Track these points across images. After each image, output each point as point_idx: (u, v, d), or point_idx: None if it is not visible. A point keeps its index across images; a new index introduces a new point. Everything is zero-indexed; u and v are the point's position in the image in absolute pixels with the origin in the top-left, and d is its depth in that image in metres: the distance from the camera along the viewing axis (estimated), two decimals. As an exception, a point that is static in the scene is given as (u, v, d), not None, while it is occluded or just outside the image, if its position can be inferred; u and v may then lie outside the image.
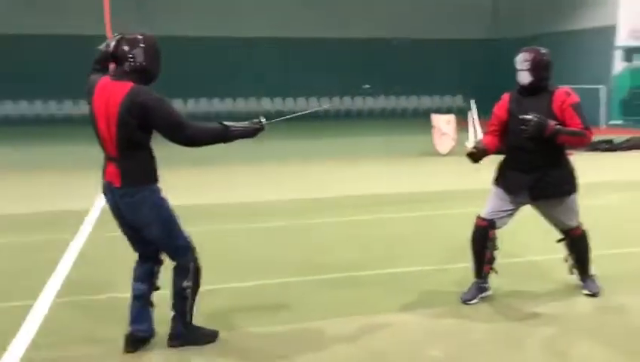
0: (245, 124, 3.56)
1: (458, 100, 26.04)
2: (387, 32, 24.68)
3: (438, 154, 12.65)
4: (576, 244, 4.48)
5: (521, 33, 23.44)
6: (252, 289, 4.71)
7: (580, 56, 20.59)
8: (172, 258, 3.56)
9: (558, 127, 4.04)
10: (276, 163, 11.65)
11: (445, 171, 11.05)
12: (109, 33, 10.76)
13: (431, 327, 3.95)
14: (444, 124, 12.70)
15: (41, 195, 8.66)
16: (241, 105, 23.94)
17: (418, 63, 24.75)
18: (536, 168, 4.20)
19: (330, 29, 23.65)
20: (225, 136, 3.47)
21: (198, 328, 3.70)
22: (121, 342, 3.60)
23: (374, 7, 24.00)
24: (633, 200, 8.03)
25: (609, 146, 13.29)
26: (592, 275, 4.55)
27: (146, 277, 3.62)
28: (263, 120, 3.60)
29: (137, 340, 3.59)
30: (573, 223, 4.39)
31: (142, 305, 3.61)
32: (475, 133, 12.69)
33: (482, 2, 25.43)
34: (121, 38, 3.40)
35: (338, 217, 7.23)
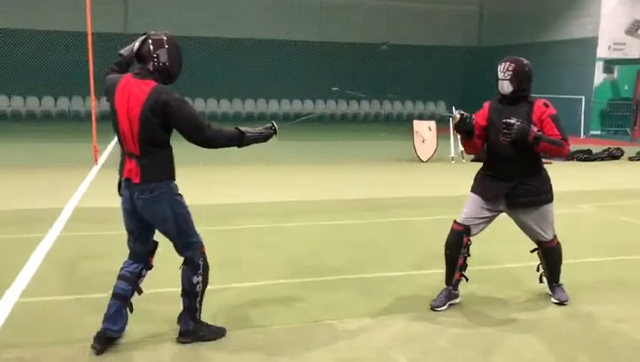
0: (259, 129, 3.67)
1: (441, 107, 26.26)
2: (376, 38, 24.79)
3: (418, 160, 12.68)
4: (550, 255, 4.51)
5: (505, 42, 23.70)
6: (216, 291, 4.66)
7: (561, 66, 20.84)
8: (183, 253, 3.61)
9: (540, 133, 4.08)
10: (256, 165, 11.59)
11: (426, 177, 11.09)
12: (89, 29, 10.67)
13: (399, 333, 3.94)
14: (425, 130, 12.74)
15: (13, 193, 8.51)
16: (238, 106, 23.93)
17: (403, 69, 24.87)
18: (513, 176, 4.23)
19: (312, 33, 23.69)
20: (241, 140, 3.60)
21: (208, 325, 3.74)
22: (87, 344, 3.55)
23: (363, 13, 24.05)
24: (607, 210, 8.11)
25: (587, 156, 13.41)
26: (560, 284, 4.58)
27: (132, 278, 3.63)
28: (275, 125, 3.70)
29: (107, 339, 3.57)
30: (548, 236, 4.41)
31: (120, 305, 3.59)
32: (457, 140, 12.76)
33: (468, 11, 25.64)
34: (147, 37, 3.48)
35: (315, 221, 7.21)
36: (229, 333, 3.82)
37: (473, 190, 4.42)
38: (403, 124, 13.09)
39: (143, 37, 3.50)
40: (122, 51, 3.73)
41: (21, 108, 21.50)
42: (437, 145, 12.78)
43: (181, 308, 3.69)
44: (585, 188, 9.96)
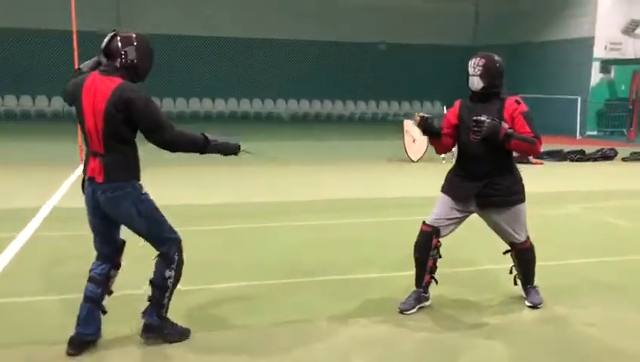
0: (226, 139, 3.62)
1: (437, 106, 26.17)
2: (373, 37, 24.69)
3: (409, 160, 12.58)
4: (523, 257, 4.41)
5: (501, 41, 23.58)
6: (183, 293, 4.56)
7: (558, 66, 20.73)
8: (158, 248, 3.57)
9: (511, 130, 3.97)
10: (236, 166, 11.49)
11: (415, 177, 10.98)
12: (74, 27, 10.58)
13: (363, 336, 3.84)
14: (416, 129, 12.58)
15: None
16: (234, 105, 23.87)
17: (399, 68, 24.78)
18: (483, 176, 4.13)
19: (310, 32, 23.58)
20: (204, 147, 3.55)
21: (173, 323, 3.67)
22: (55, 347, 3.50)
23: (358, 12, 23.94)
24: (593, 210, 8.00)
25: (580, 156, 13.30)
26: (535, 286, 4.48)
27: (101, 280, 3.57)
28: (240, 141, 3.66)
29: (82, 343, 3.51)
30: (521, 237, 4.30)
31: (92, 308, 3.54)
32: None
33: (465, 10, 25.51)
34: (115, 34, 3.45)
35: (294, 221, 7.11)
36: (194, 334, 3.73)
37: (443, 190, 4.32)
38: (400, 124, 12.96)
39: (112, 33, 3.46)
40: (82, 66, 3.69)
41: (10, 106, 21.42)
42: (428, 145, 12.65)
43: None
44: (574, 189, 9.85)
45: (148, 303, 3.62)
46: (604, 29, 19.54)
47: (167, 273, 3.54)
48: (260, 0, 22.55)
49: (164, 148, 3.49)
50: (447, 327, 4.04)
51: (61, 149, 12.20)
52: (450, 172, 4.35)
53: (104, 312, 3.59)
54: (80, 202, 7.16)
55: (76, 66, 10.36)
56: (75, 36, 10.63)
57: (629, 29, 19.65)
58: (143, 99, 3.35)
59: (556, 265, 5.41)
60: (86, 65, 3.67)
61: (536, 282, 4.48)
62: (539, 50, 21.52)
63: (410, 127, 12.66)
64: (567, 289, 4.82)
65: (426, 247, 4.24)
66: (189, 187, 9.13)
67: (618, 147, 14.43)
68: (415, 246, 4.29)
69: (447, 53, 24.82)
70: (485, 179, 4.12)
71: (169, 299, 3.60)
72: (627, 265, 5.58)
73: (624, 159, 13.49)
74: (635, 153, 13.70)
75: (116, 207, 3.42)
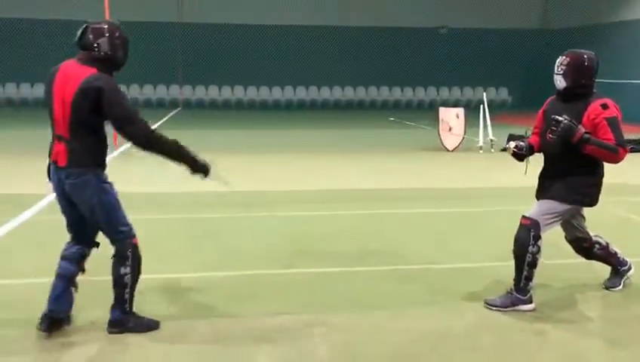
0: (194, 156, 3.59)
1: (503, 93, 25.10)
2: (435, 21, 24.02)
3: (444, 149, 12.13)
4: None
5: (570, 23, 22.20)
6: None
7: (631, 49, 19.26)
8: (113, 244, 3.59)
9: (588, 135, 3.80)
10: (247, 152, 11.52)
11: (446, 168, 10.58)
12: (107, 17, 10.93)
13: (281, 332, 3.71)
14: (452, 117, 12.15)
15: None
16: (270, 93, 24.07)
17: (464, 54, 23.93)
18: (562, 176, 4.00)
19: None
20: (179, 148, 3.53)
21: (139, 316, 3.71)
22: (29, 330, 3.57)
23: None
24: (614, 205, 7.34)
25: (633, 147, 12.22)
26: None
27: (74, 258, 3.63)
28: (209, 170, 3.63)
29: (54, 321, 3.57)
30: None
31: (65, 285, 3.59)
32: (486, 128, 12.09)
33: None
34: (87, 27, 3.48)
35: (285, 212, 7.02)
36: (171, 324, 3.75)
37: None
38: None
39: (84, 26, 3.49)
40: None
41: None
42: (465, 134, 12.15)
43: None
44: (609, 181, 9.07)
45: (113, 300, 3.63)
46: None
47: (123, 270, 3.56)
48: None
49: (137, 141, 3.45)
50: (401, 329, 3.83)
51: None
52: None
53: (76, 288, 3.63)
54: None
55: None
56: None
57: None
58: (111, 89, 3.37)
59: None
60: None
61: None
62: (610, 31, 20.09)
63: (446, 116, 12.24)
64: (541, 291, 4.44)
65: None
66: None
67: None
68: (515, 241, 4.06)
69: (514, 37, 23.77)
70: (562, 178, 3.99)
71: (130, 295, 3.61)
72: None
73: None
74: None
75: (79, 193, 3.45)
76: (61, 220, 3.70)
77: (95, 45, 3.42)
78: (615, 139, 3.80)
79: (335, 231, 6.15)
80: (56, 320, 3.56)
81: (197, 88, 24.56)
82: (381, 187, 8.53)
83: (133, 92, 22.80)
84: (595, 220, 6.93)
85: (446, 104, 24.51)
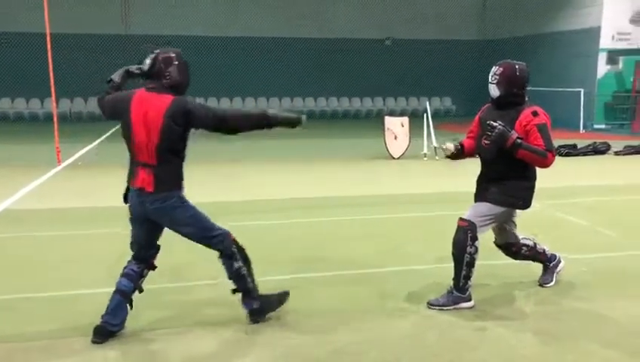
0: (286, 114, 3.84)
1: (446, 102, 25.80)
2: (380, 33, 24.47)
3: (390, 157, 12.40)
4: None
5: (507, 34, 23.08)
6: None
7: (565, 58, 20.19)
8: (214, 248, 3.81)
9: (520, 140, 3.99)
10: (210, 163, 11.52)
11: (392, 175, 10.83)
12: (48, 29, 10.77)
13: (220, 345, 3.77)
14: (397, 126, 12.46)
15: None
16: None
17: (406, 64, 24.49)
18: (496, 180, 4.20)
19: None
20: (267, 120, 3.74)
21: (268, 296, 3.99)
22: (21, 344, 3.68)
23: (365, 8, 23.75)
24: (554, 208, 7.73)
25: (569, 151, 12.89)
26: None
27: (134, 277, 3.81)
28: (304, 117, 3.84)
29: (106, 332, 3.70)
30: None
31: (121, 300, 3.75)
32: (429, 136, 12.45)
33: (471, 3, 25.05)
34: (156, 56, 3.65)
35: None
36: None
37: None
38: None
39: (153, 55, 3.65)
40: (113, 76, 3.82)
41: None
42: (409, 142, 12.48)
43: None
44: (548, 186, 9.51)
45: (240, 296, 3.90)
46: (611, 19, 18.90)
47: (236, 265, 3.81)
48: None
49: (231, 133, 3.76)
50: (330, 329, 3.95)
51: (36, 151, 12.47)
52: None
53: (131, 306, 3.80)
54: (43, 203, 7.34)
55: (50, 65, 10.70)
56: (48, 39, 10.77)
57: (637, 19, 18.99)
58: (196, 106, 3.63)
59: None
60: (118, 74, 3.81)
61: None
62: (544, 41, 20.99)
63: (392, 125, 12.54)
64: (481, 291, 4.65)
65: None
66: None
67: (624, 140, 13.88)
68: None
69: (454, 47, 24.49)
70: (497, 182, 4.20)
71: (253, 280, 3.88)
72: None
73: (617, 153, 13.04)
74: (629, 146, 13.22)
75: (165, 216, 3.66)
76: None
77: (167, 73, 3.61)
78: (544, 145, 4.02)
79: (283, 238, 6.24)
80: (108, 331, 3.70)
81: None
82: (329, 195, 8.67)
83: (78, 105, 22.31)
84: (534, 222, 7.34)
85: (393, 114, 25.13)
